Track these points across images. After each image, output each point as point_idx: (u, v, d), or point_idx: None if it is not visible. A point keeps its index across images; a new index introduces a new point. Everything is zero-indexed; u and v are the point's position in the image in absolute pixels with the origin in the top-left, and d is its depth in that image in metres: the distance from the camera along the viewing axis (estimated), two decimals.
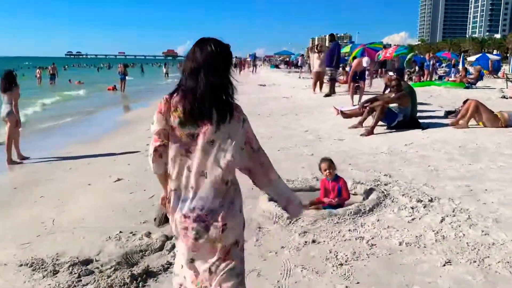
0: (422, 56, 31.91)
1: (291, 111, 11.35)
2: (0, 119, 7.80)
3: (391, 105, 8.14)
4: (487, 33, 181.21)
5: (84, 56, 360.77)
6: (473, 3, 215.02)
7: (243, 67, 50.30)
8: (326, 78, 15.94)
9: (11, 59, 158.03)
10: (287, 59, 56.55)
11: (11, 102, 7.56)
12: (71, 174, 6.62)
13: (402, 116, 7.98)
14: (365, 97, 10.88)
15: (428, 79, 19.67)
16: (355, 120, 8.84)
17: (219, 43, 2.02)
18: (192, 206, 1.98)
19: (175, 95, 2.02)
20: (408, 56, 22.94)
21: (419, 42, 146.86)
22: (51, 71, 32.60)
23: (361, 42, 45.70)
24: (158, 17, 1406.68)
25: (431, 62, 20.82)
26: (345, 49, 31.07)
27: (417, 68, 21.70)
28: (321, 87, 15.80)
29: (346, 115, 9.39)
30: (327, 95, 14.58)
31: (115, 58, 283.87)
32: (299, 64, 36.68)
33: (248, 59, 66.08)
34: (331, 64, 15.10)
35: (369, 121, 8.03)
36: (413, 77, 20.94)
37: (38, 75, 31.77)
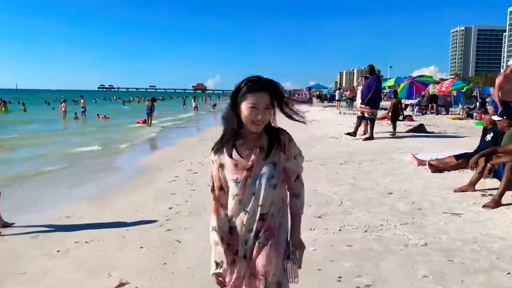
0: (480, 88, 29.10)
1: (350, 158, 9.03)
2: None
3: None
4: None
5: (116, 90, 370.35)
6: (507, 37, 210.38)
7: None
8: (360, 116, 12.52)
9: (41, 91, 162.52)
10: (319, 92, 54.71)
11: None
12: (55, 263, 4.45)
13: None
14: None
15: None
16: (450, 177, 6.48)
17: None
18: None
19: None
20: (464, 89, 20.42)
21: (452, 76, 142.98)
22: (82, 105, 31.43)
23: (392, 76, 43.57)
24: (188, 50, 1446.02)
25: None
26: (389, 83, 28.90)
27: (478, 104, 19.11)
28: (365, 130, 12.67)
29: (435, 168, 7.00)
30: (367, 139, 11.79)
31: (146, 92, 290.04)
32: (336, 98, 34.48)
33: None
34: (368, 101, 11.82)
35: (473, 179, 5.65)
36: (474, 114, 18.35)
37: (63, 109, 30.55)
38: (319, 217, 4.99)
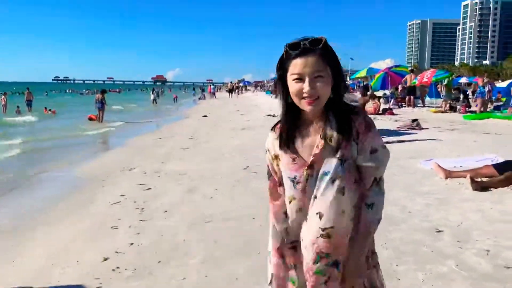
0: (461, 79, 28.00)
1: None
2: None
3: None
4: (476, 60, 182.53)
5: (71, 82, 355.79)
6: (460, 30, 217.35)
7: (241, 91, 49.20)
8: None
9: None
10: None
11: None
12: None
13: None
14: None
15: (482, 110, 15.73)
16: (507, 199, 4.67)
17: None
18: None
19: None
20: (446, 81, 19.04)
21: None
22: (26, 98, 28.32)
23: (354, 68, 42.65)
24: (148, 42, 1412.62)
25: (487, 89, 16.89)
26: (360, 74, 27.41)
27: (461, 96, 17.75)
28: None
29: (478, 184, 5.14)
30: None
31: (103, 83, 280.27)
32: None
33: (241, 84, 63.17)
34: None
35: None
36: (458, 107, 16.97)
37: (3, 102, 27.20)
38: None
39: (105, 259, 3.91)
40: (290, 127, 1.57)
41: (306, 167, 1.53)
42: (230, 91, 48.74)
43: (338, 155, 1.49)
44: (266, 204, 1.78)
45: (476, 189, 5.09)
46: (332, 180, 1.49)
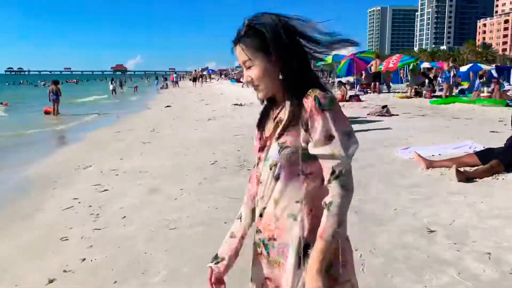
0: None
1: None
2: None
3: None
4: (434, 45, 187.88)
5: (26, 73, 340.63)
6: (419, 16, 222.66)
7: (205, 80, 48.61)
8: None
9: None
10: None
11: None
12: None
13: None
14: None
15: (448, 94, 15.74)
16: (496, 191, 4.36)
17: None
18: None
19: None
20: (411, 66, 19.02)
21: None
22: None
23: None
24: (107, 31, 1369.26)
25: (452, 73, 16.92)
26: (326, 61, 27.09)
27: (426, 81, 17.74)
28: None
29: (463, 175, 4.82)
30: None
31: (61, 74, 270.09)
32: None
33: (205, 73, 62.09)
34: None
35: None
36: (424, 92, 16.96)
37: None
38: None
39: (51, 281, 3.31)
40: (263, 111, 1.56)
41: (258, 150, 1.51)
42: (194, 79, 47.69)
43: (279, 141, 1.39)
44: (239, 205, 1.66)
45: (461, 180, 4.76)
46: (270, 166, 1.43)
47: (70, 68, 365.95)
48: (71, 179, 6.83)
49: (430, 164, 5.41)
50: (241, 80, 46.13)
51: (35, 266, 3.66)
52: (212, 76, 68.88)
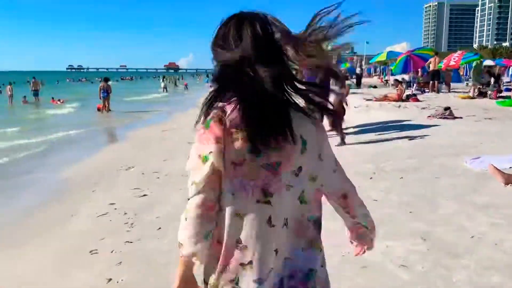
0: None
1: (377, 164, 6.06)
2: None
3: None
4: (495, 42, 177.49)
5: (85, 70, 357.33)
6: (479, 11, 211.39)
7: None
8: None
9: (9, 73, 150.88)
10: None
11: None
12: None
13: None
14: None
15: None
16: None
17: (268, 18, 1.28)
18: (272, 283, 1.27)
19: (227, 106, 1.25)
20: (474, 63, 17.61)
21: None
22: (33, 87, 27.52)
23: (370, 52, 40.80)
24: (162, 30, 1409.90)
25: None
26: (380, 57, 25.97)
27: (492, 80, 16.34)
28: None
29: None
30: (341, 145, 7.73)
31: (116, 71, 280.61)
32: None
33: None
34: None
35: None
36: (489, 93, 15.61)
37: (9, 92, 26.46)
38: None
39: None
40: None
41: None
42: None
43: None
44: None
45: None
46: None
47: (125, 66, 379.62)
48: (111, 181, 6.59)
49: (509, 179, 4.62)
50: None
51: (58, 285, 3.33)
52: None
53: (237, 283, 1.26)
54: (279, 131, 1.21)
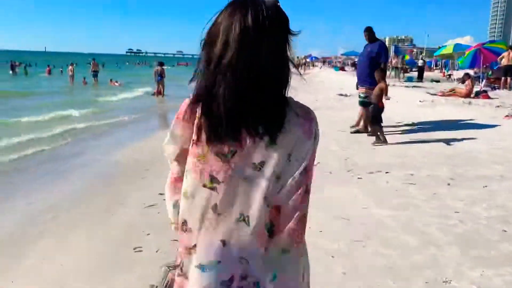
0: None
1: (453, 169, 5.37)
2: None
3: None
4: None
5: (143, 54, 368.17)
6: None
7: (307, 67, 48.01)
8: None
9: (71, 54, 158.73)
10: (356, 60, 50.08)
11: None
12: None
13: None
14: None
15: None
16: None
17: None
18: (220, 279, 1.18)
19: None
20: None
21: None
22: (92, 69, 28.38)
23: (430, 45, 38.51)
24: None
25: None
26: (445, 50, 24.37)
27: None
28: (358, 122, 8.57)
29: None
30: (356, 132, 8.20)
31: (173, 57, 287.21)
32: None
33: (308, 60, 60.76)
34: (367, 79, 7.82)
35: None
36: None
37: (70, 73, 27.42)
38: None
39: None
40: None
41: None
42: (296, 67, 46.86)
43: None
44: None
45: None
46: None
47: (182, 51, 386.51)
48: (162, 169, 6.25)
49: None
50: (345, 68, 44.28)
51: (95, 285, 3.02)
52: (315, 63, 67.21)
53: (181, 269, 1.24)
54: (238, 122, 1.16)
